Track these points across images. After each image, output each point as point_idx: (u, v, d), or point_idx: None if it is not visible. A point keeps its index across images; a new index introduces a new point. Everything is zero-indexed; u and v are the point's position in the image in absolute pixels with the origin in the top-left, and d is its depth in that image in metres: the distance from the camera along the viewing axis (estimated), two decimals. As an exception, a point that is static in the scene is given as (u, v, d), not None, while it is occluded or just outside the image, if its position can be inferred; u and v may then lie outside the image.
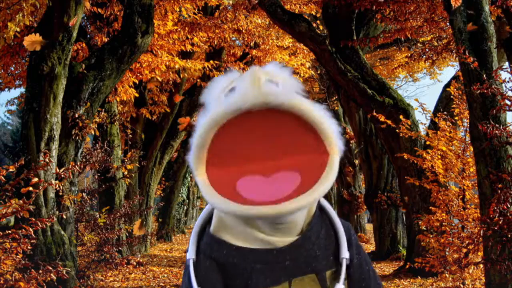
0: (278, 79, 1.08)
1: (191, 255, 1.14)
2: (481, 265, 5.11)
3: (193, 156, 1.04)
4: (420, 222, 6.42)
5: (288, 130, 1.02)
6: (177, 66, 9.19)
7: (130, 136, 10.60)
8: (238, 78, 1.09)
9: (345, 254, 1.13)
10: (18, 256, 4.12)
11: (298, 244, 1.09)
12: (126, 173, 9.00)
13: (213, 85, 1.13)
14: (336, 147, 1.02)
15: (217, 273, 1.10)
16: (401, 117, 7.13)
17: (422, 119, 24.30)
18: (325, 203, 1.21)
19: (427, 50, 8.34)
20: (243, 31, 10.33)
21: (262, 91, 1.00)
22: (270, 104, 1.00)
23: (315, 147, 1.01)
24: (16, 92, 21.54)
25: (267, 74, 1.07)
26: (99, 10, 7.89)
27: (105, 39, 7.88)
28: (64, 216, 5.69)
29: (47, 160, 4.60)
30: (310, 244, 1.11)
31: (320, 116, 1.02)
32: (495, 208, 4.16)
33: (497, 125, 4.25)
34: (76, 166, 5.32)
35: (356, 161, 12.88)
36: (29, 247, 4.13)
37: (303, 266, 1.09)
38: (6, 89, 8.34)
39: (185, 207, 17.57)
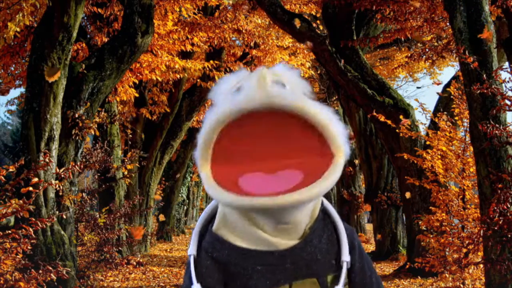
0: (285, 80, 1.07)
1: (192, 251, 1.14)
2: (481, 265, 5.11)
3: (199, 152, 1.04)
4: (420, 222, 6.42)
5: (292, 132, 1.01)
6: (177, 66, 9.19)
7: (130, 136, 10.60)
8: (246, 77, 1.08)
9: (345, 257, 1.13)
10: (18, 256, 4.12)
11: (299, 247, 1.09)
12: (126, 173, 9.00)
13: (221, 83, 1.13)
14: (341, 150, 1.01)
15: (218, 272, 1.10)
16: (401, 117, 7.13)
17: (422, 119, 24.30)
18: (330, 207, 1.20)
19: (427, 50, 8.34)
20: (243, 31, 10.33)
21: (268, 93, 0.99)
22: (275, 106, 0.99)
23: (319, 149, 1.01)
24: (16, 92, 21.50)
25: (274, 75, 1.07)
26: (99, 10, 7.89)
27: (105, 39, 7.88)
28: (64, 216, 5.69)
29: (47, 160, 4.60)
30: (312, 248, 1.10)
31: (326, 119, 1.01)
32: (495, 208, 4.16)
33: (497, 125, 4.24)
34: (76, 166, 5.31)
35: (356, 161, 12.88)
36: (29, 247, 4.13)
37: (303, 270, 1.09)
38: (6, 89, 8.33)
39: (185, 207, 17.57)
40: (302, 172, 0.99)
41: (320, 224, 1.14)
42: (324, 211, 1.18)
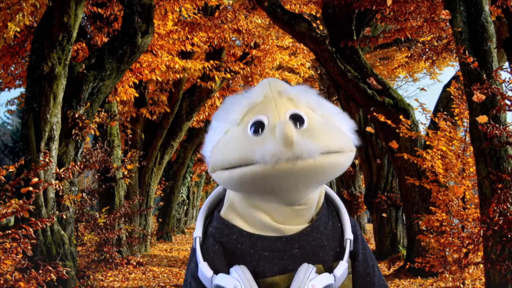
0: (303, 110, 1.07)
1: (198, 233, 1.15)
2: (481, 265, 5.11)
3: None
4: (420, 222, 6.41)
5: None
6: (177, 66, 9.18)
7: (130, 136, 10.59)
8: (260, 106, 1.08)
9: (348, 235, 1.14)
10: (18, 256, 4.11)
11: (306, 232, 1.10)
12: (126, 173, 9.00)
13: (230, 103, 1.12)
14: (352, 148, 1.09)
15: (225, 257, 1.10)
16: (401, 117, 7.13)
17: (422, 119, 24.30)
18: (333, 194, 1.22)
19: (427, 50, 8.33)
20: (243, 31, 10.32)
21: (295, 152, 0.97)
22: (301, 163, 0.99)
23: None
24: (16, 92, 21.52)
25: (291, 101, 1.07)
26: (99, 10, 7.88)
27: (105, 39, 7.87)
28: (64, 216, 5.68)
29: (47, 160, 4.59)
30: (318, 234, 1.11)
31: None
32: (495, 208, 4.16)
33: (497, 125, 4.24)
34: (76, 166, 5.31)
35: (356, 161, 12.87)
36: (29, 247, 4.13)
37: (310, 256, 1.10)
38: (6, 89, 8.33)
39: (185, 207, 17.56)
40: None
41: (326, 212, 1.16)
42: (327, 199, 1.20)
